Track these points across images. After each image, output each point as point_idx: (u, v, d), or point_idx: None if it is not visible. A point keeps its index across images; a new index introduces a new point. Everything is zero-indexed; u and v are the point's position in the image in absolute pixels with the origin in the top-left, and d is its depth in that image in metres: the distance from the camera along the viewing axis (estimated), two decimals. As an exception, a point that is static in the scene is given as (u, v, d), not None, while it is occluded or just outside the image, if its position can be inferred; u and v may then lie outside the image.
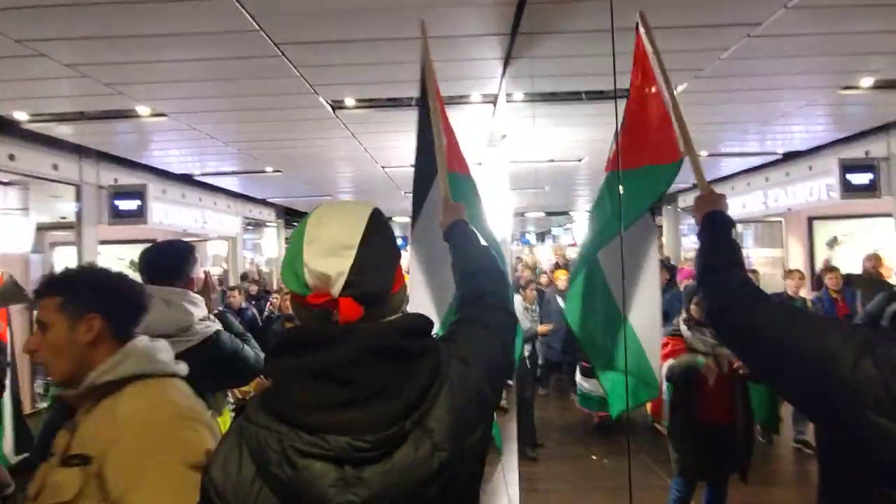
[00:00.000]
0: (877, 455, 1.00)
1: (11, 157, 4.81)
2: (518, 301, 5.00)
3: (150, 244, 2.11)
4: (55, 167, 5.40)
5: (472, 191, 2.05)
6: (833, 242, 8.33)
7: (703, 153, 6.67)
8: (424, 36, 2.05)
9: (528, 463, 4.83)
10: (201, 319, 1.90)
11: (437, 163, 1.84)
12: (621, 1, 2.03)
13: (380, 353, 0.84)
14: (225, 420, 2.09)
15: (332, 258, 0.86)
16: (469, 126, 5.14)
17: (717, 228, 1.50)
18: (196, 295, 1.94)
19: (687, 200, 10.02)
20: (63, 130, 4.97)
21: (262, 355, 2.09)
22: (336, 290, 0.86)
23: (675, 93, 1.91)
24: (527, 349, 5.07)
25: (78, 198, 5.89)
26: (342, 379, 0.83)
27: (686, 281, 6.20)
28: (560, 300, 5.66)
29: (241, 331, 2.13)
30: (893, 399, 0.97)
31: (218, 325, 1.98)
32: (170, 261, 1.96)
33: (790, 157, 7.24)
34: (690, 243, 10.36)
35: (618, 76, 2.03)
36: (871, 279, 5.36)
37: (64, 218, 7.72)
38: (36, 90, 3.75)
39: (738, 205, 8.41)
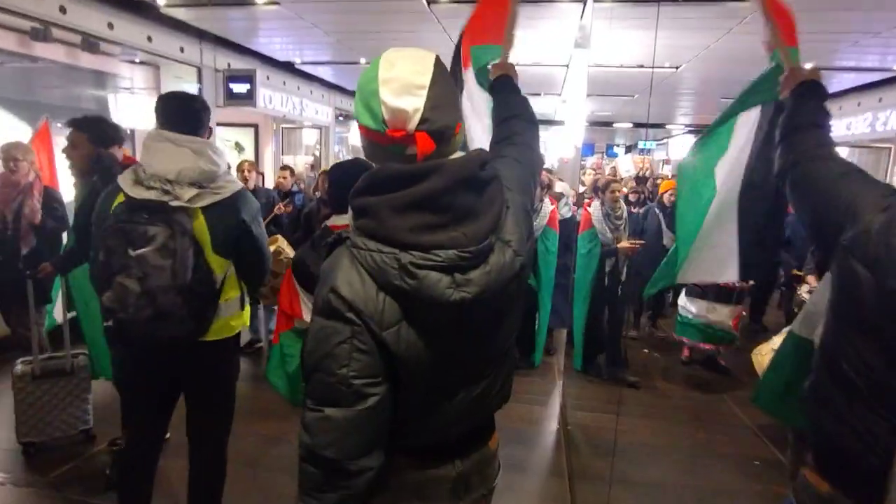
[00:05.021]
0: (847, 298, 1.13)
1: (150, 39, 5.48)
2: (596, 206, 4.38)
3: (169, 95, 1.97)
4: (182, 50, 6.03)
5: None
6: (949, 176, 7.69)
7: (810, 66, 6.23)
8: None
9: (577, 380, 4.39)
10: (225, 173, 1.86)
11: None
12: None
13: (465, 182, 0.98)
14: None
15: (407, 96, 0.94)
16: (556, 27, 5.18)
17: (806, 94, 1.50)
18: (219, 147, 1.86)
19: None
20: (189, 15, 5.52)
21: None
22: (412, 125, 0.95)
23: None
24: (608, 264, 4.28)
25: (199, 79, 6.50)
26: (439, 206, 0.95)
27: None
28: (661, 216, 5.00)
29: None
30: (875, 253, 1.08)
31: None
32: (191, 111, 1.90)
33: (912, 75, 6.54)
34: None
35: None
36: None
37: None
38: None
39: (843, 126, 7.84)
